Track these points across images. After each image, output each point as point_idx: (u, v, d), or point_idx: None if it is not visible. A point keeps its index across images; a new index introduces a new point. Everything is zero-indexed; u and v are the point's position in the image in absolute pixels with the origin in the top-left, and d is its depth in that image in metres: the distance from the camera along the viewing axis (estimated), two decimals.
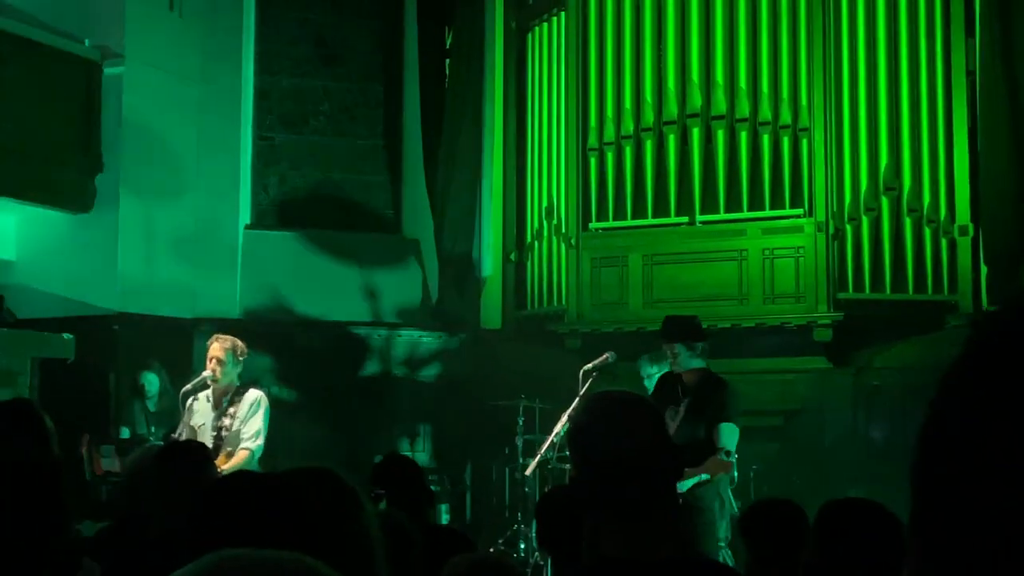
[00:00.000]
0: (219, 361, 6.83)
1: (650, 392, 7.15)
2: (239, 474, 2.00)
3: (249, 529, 1.71)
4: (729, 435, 6.51)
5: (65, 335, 9.09)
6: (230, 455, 6.73)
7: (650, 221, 10.38)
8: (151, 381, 9.30)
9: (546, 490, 6.98)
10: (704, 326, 7.03)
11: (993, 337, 0.81)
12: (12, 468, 2.42)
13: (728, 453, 6.47)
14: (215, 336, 7.00)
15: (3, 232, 10.26)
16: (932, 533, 0.80)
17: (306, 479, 2.06)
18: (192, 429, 6.85)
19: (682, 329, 6.74)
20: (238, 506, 1.79)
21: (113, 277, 10.01)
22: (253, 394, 6.90)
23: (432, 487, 8.37)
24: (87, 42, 10.08)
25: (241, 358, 6.92)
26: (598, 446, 2.22)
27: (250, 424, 6.81)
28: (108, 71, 10.13)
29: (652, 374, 7.72)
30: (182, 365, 9.22)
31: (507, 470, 9.65)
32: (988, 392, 0.79)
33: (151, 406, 9.22)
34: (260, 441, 6.82)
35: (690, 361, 6.64)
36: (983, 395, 0.79)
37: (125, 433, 9.12)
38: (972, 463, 0.78)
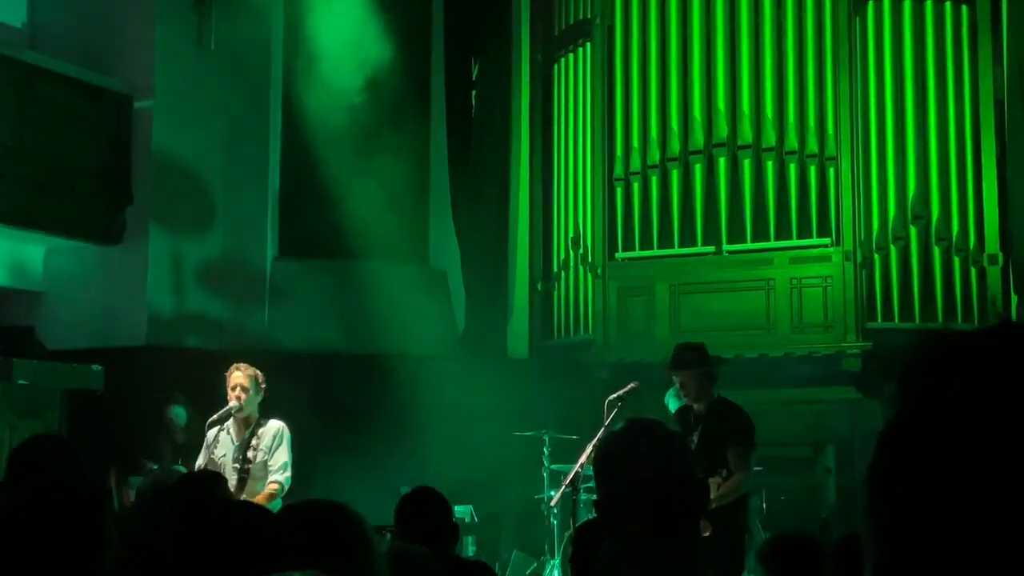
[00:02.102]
0: (243, 388, 6.84)
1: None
2: (244, 506, 2.00)
3: (253, 563, 1.71)
4: (741, 456, 6.48)
5: (94, 367, 9.13)
6: (257, 491, 6.71)
7: (677, 251, 10.36)
8: (179, 414, 9.32)
9: (574, 521, 6.97)
10: (731, 356, 7.04)
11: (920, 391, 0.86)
12: (63, 501, 2.44)
13: (735, 468, 6.42)
14: (235, 365, 7.01)
15: (33, 264, 10.35)
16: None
17: (312, 513, 2.05)
18: (214, 461, 6.85)
19: (696, 356, 6.75)
20: (241, 540, 1.79)
21: (142, 309, 10.08)
22: (275, 425, 6.89)
23: (458, 518, 8.35)
24: (117, 77, 10.19)
25: (263, 386, 6.93)
26: (624, 472, 2.21)
27: (276, 456, 6.79)
28: (138, 105, 10.24)
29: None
30: (210, 397, 9.23)
31: (533, 500, 9.61)
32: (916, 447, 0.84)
33: (179, 439, 9.24)
34: (288, 473, 6.81)
35: (702, 386, 6.64)
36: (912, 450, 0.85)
37: (153, 465, 9.13)
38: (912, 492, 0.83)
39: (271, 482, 6.75)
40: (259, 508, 1.88)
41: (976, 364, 0.85)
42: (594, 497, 7.21)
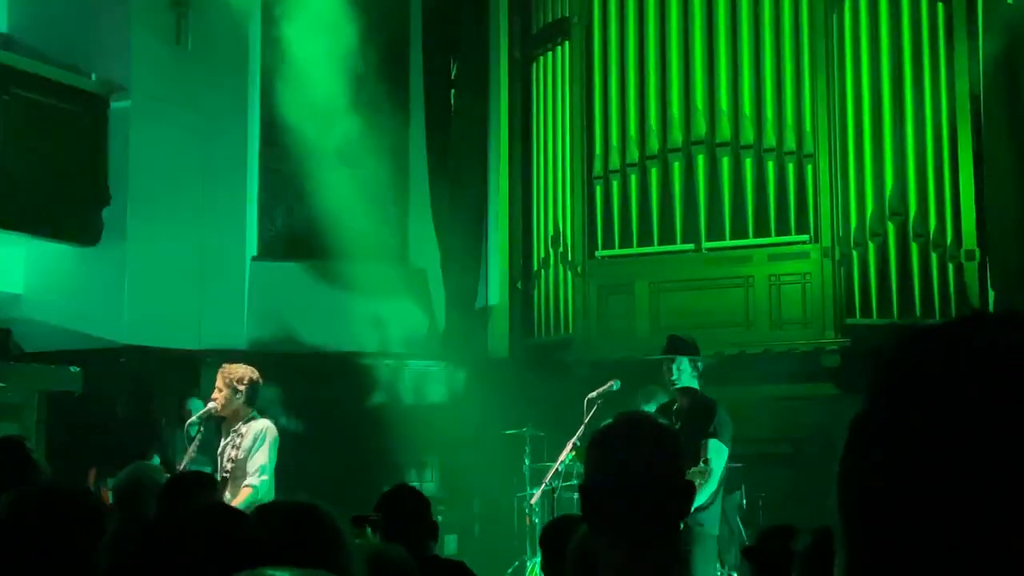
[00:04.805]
0: (219, 390, 6.79)
1: None
2: (212, 508, 1.98)
3: (222, 566, 1.69)
4: (715, 451, 6.51)
5: (72, 368, 9.10)
6: (238, 490, 6.66)
7: (656, 248, 10.38)
8: (196, 406, 9.27)
9: (553, 518, 6.97)
10: (711, 353, 7.08)
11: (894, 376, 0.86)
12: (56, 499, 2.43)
13: (707, 461, 6.44)
14: (223, 365, 6.94)
15: (10, 265, 10.28)
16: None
17: (285, 514, 2.04)
18: (206, 461, 6.82)
19: (687, 344, 6.82)
20: (207, 543, 1.77)
21: (120, 309, 10.03)
22: (258, 425, 6.76)
23: (440, 517, 8.35)
24: (93, 76, 10.14)
25: (241, 387, 6.77)
26: (612, 463, 2.21)
27: (255, 459, 6.66)
28: (114, 105, 10.19)
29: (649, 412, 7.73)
30: (191, 397, 9.21)
31: (514, 499, 9.62)
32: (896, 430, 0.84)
33: (191, 431, 9.20)
34: (265, 477, 6.64)
35: (689, 379, 6.69)
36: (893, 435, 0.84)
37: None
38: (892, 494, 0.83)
39: (244, 485, 6.63)
40: (232, 513, 1.86)
41: (946, 355, 0.85)
42: (575, 496, 7.22)
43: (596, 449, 2.27)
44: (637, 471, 2.17)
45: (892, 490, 0.83)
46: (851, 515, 0.86)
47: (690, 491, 2.25)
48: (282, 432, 7.13)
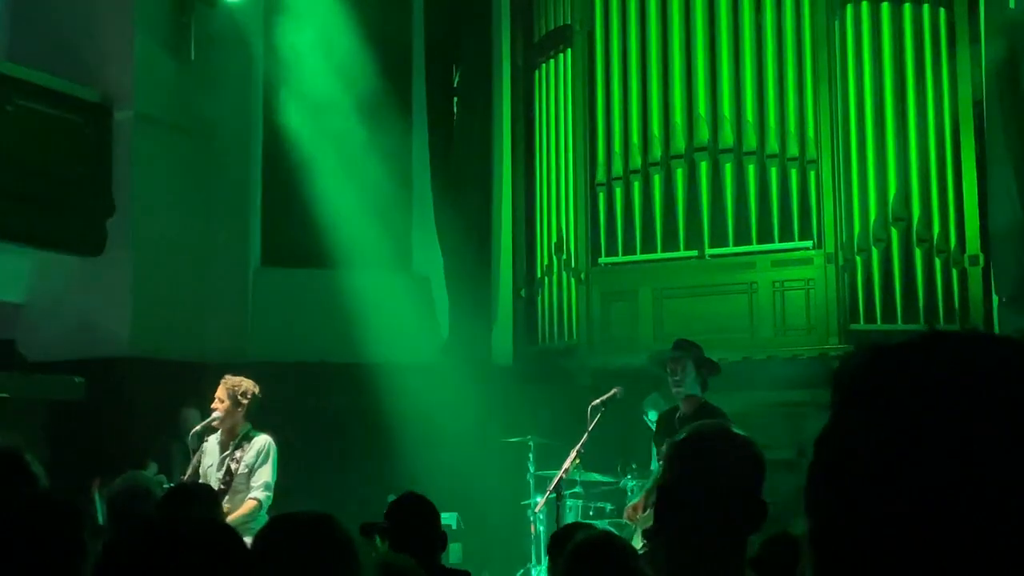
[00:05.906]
0: (220, 400, 6.78)
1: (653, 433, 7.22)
2: (214, 523, 1.96)
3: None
4: None
5: (76, 378, 9.11)
6: (238, 504, 6.64)
7: (659, 255, 10.38)
8: (194, 417, 9.28)
9: (559, 526, 6.97)
10: (715, 359, 7.08)
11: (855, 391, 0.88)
12: (34, 509, 2.42)
13: None
14: (224, 376, 6.94)
15: (14, 276, 10.29)
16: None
17: (299, 526, 2.04)
18: (201, 471, 6.80)
19: (695, 347, 6.83)
20: (219, 555, 1.76)
21: (124, 320, 10.03)
22: (261, 440, 6.77)
23: (445, 525, 8.34)
24: (96, 87, 10.15)
25: (243, 400, 6.77)
26: (695, 470, 2.19)
27: (259, 473, 6.67)
28: (118, 115, 10.20)
29: (653, 420, 7.72)
30: (194, 408, 9.20)
31: (519, 507, 9.61)
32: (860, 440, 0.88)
33: (194, 442, 9.21)
34: (269, 493, 6.69)
35: (693, 385, 6.67)
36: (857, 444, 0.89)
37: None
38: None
39: (250, 498, 6.64)
40: (227, 532, 1.83)
41: (909, 375, 0.87)
42: (580, 502, 7.21)
43: (683, 451, 2.26)
44: (717, 483, 2.16)
45: (855, 506, 0.85)
46: (817, 528, 0.88)
47: (762, 512, 2.23)
48: (286, 442, 7.13)
